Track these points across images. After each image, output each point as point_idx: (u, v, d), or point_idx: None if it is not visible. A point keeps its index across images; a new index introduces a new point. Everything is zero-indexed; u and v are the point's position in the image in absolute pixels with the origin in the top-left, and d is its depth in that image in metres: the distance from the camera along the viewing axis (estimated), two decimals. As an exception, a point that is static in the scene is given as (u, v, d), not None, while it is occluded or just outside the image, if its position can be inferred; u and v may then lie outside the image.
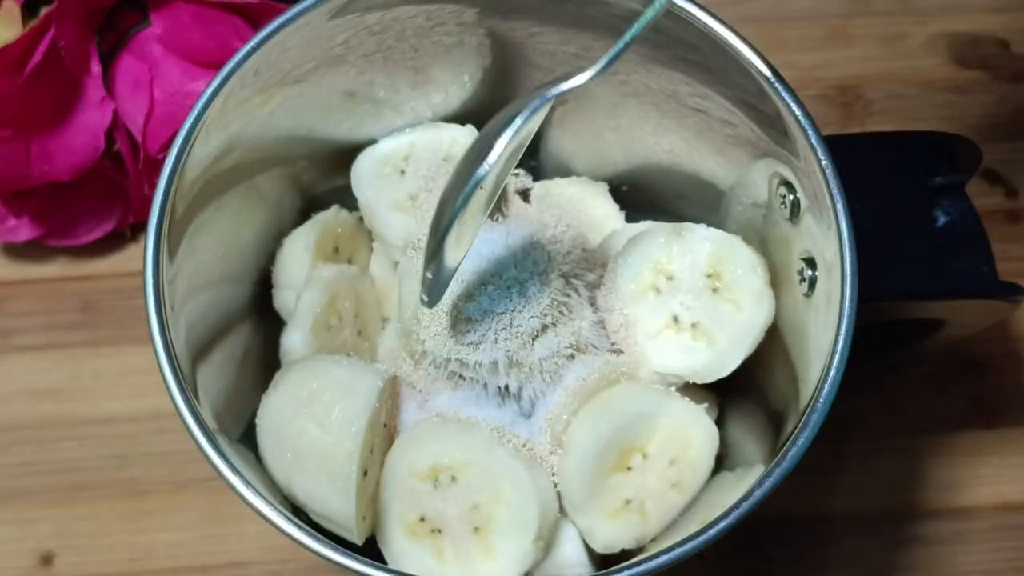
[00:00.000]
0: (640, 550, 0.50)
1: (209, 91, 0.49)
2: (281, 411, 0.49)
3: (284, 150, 0.55)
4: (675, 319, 0.51)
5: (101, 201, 0.63)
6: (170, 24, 0.59)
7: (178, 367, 0.46)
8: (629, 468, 0.49)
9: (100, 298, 0.64)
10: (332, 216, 0.56)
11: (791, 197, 0.50)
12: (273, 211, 0.56)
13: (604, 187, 0.58)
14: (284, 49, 0.50)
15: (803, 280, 0.50)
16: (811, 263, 0.49)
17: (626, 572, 0.44)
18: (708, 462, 0.50)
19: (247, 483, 0.45)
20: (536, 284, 0.50)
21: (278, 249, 0.56)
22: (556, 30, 0.53)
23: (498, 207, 0.56)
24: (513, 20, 0.53)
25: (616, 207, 0.57)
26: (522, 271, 0.50)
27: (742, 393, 0.54)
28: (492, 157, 0.40)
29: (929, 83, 0.70)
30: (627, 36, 0.40)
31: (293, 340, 0.52)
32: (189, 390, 0.46)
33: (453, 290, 0.49)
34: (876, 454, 0.60)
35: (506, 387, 0.51)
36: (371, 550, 0.50)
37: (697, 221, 0.53)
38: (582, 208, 0.57)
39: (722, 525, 0.44)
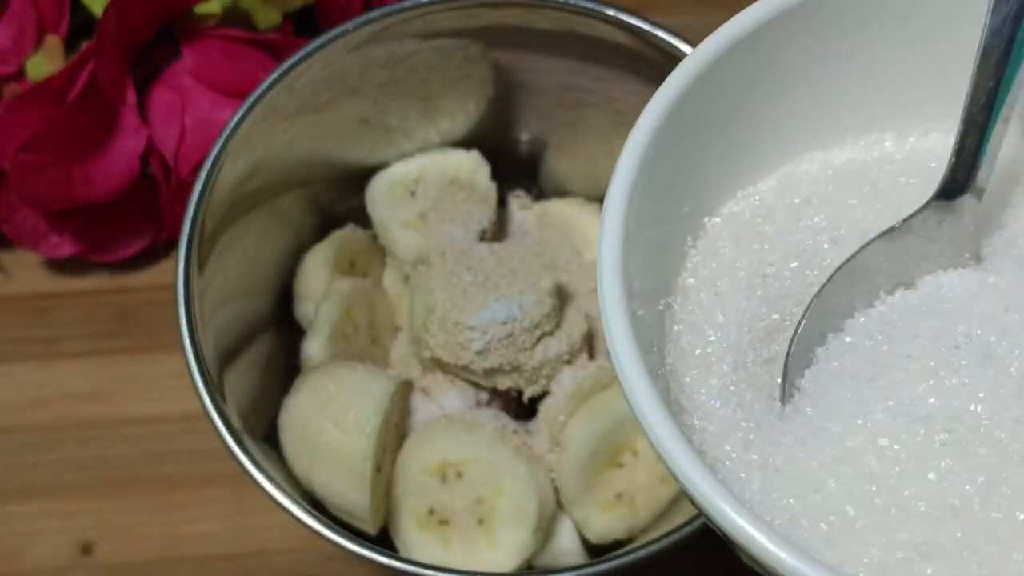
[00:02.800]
0: (631, 540, 0.50)
1: (235, 119, 0.49)
2: (302, 412, 0.49)
3: (304, 173, 0.55)
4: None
5: (136, 220, 0.63)
6: (200, 57, 0.59)
7: (207, 372, 0.47)
8: (620, 464, 0.50)
9: (136, 309, 0.64)
10: (348, 234, 0.56)
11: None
12: (294, 229, 0.56)
13: (598, 207, 0.58)
14: (304, 81, 0.50)
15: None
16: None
17: (618, 560, 0.45)
18: (693, 459, 0.50)
19: (271, 478, 0.45)
20: (535, 296, 0.50)
21: (298, 264, 0.56)
22: (556, 62, 0.53)
23: (500, 225, 0.56)
24: (515, 53, 0.53)
25: (609, 225, 0.57)
26: (523, 284, 0.50)
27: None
28: None
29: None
30: None
31: (312, 347, 0.52)
32: (217, 393, 0.47)
33: (459, 304, 0.49)
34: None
35: (507, 390, 0.51)
36: (384, 540, 0.50)
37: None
38: (578, 226, 0.57)
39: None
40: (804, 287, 0.40)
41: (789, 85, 0.40)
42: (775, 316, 0.40)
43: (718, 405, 0.39)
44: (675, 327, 0.40)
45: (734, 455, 0.37)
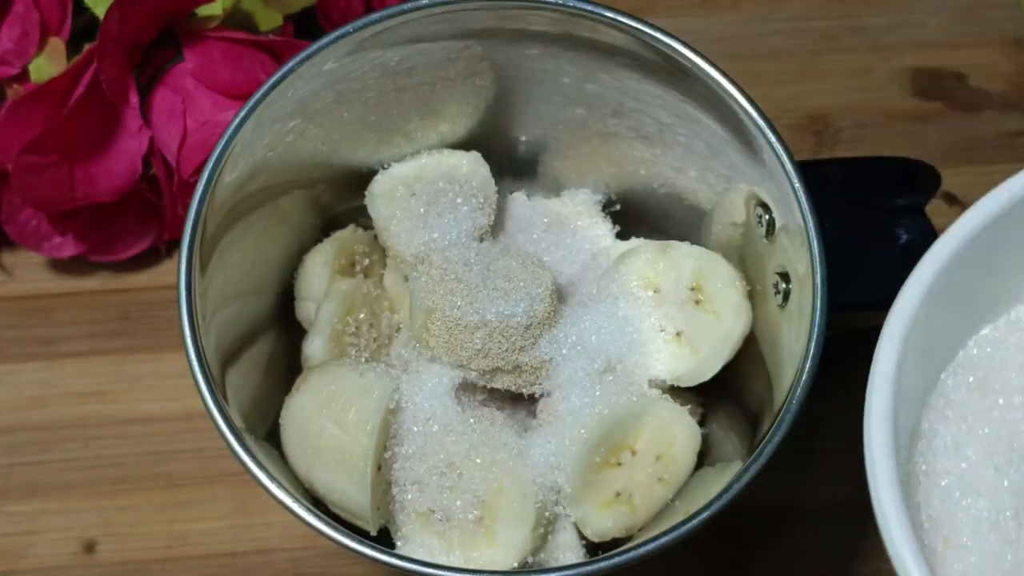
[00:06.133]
0: (629, 538, 0.50)
1: (237, 120, 0.49)
2: (303, 411, 0.49)
3: (305, 174, 0.55)
4: (661, 328, 0.51)
5: (139, 220, 0.63)
6: (202, 59, 0.59)
7: (209, 372, 0.46)
8: (619, 463, 0.49)
9: (138, 309, 0.64)
10: (349, 234, 0.56)
11: (767, 217, 0.50)
12: (295, 230, 0.56)
13: (597, 207, 0.58)
14: (305, 82, 0.50)
15: (778, 293, 0.50)
16: (785, 277, 0.49)
17: (617, 558, 0.44)
18: (691, 458, 0.50)
19: (272, 477, 0.45)
20: (535, 296, 0.50)
21: (300, 264, 0.55)
22: (556, 63, 0.53)
23: (500, 225, 0.56)
24: (515, 54, 0.53)
25: (608, 225, 0.57)
26: (523, 284, 0.50)
27: (722, 395, 0.54)
28: None
29: (893, 113, 0.70)
30: None
31: (314, 347, 0.52)
32: (219, 393, 0.46)
33: (458, 303, 0.49)
34: (844, 449, 0.60)
35: (507, 389, 0.51)
36: (384, 538, 0.50)
37: (681, 239, 0.53)
38: (576, 226, 0.57)
39: (704, 515, 0.45)
40: None
41: None
42: None
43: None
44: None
45: None
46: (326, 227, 0.57)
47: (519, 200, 0.57)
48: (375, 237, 0.56)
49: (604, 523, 0.50)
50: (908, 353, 0.41)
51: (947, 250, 0.43)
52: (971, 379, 0.45)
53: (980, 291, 0.45)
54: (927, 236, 0.51)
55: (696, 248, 0.52)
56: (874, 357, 0.41)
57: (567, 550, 0.50)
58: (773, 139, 0.48)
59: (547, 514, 0.49)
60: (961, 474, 0.43)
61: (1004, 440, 0.44)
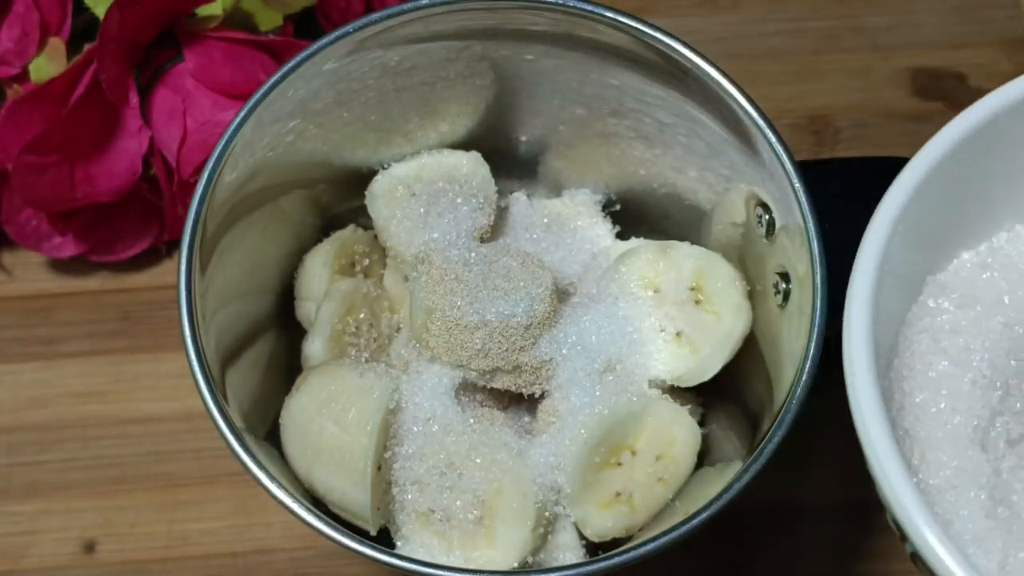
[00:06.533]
0: (629, 538, 0.50)
1: (237, 120, 0.49)
2: (303, 411, 0.49)
3: (305, 174, 0.55)
4: (661, 328, 0.51)
5: (139, 220, 0.63)
6: (202, 59, 0.59)
7: (209, 372, 0.46)
8: (619, 463, 0.49)
9: (138, 309, 0.64)
10: (349, 234, 0.56)
11: (767, 217, 0.50)
12: (295, 230, 0.56)
13: (597, 207, 0.58)
14: (305, 82, 0.50)
15: (778, 292, 0.50)
16: (785, 277, 0.49)
17: (617, 558, 0.44)
18: (691, 458, 0.50)
19: (272, 477, 0.45)
20: (535, 296, 0.50)
21: (300, 264, 0.55)
22: (555, 63, 0.53)
23: (500, 225, 0.56)
24: (515, 54, 0.53)
25: (608, 226, 0.57)
26: (523, 284, 0.50)
27: (722, 395, 0.54)
28: None
29: (893, 113, 0.70)
30: None
31: (314, 347, 0.52)
32: (219, 393, 0.46)
33: (458, 303, 0.49)
34: (844, 449, 0.60)
35: (507, 389, 0.51)
36: (384, 538, 0.50)
37: (681, 239, 0.53)
38: (576, 226, 0.57)
39: (704, 515, 0.45)
40: None
41: None
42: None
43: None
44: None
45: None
46: (326, 227, 0.56)
47: (519, 200, 0.57)
48: (375, 237, 0.56)
49: (604, 523, 0.50)
50: (885, 274, 0.43)
51: (917, 174, 0.44)
52: (950, 301, 0.46)
53: (958, 217, 0.46)
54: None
55: (696, 248, 0.52)
56: (851, 277, 0.43)
57: (567, 550, 0.50)
58: (773, 139, 0.48)
59: (547, 514, 0.49)
60: (937, 389, 0.44)
61: (981, 357, 0.45)
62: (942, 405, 0.44)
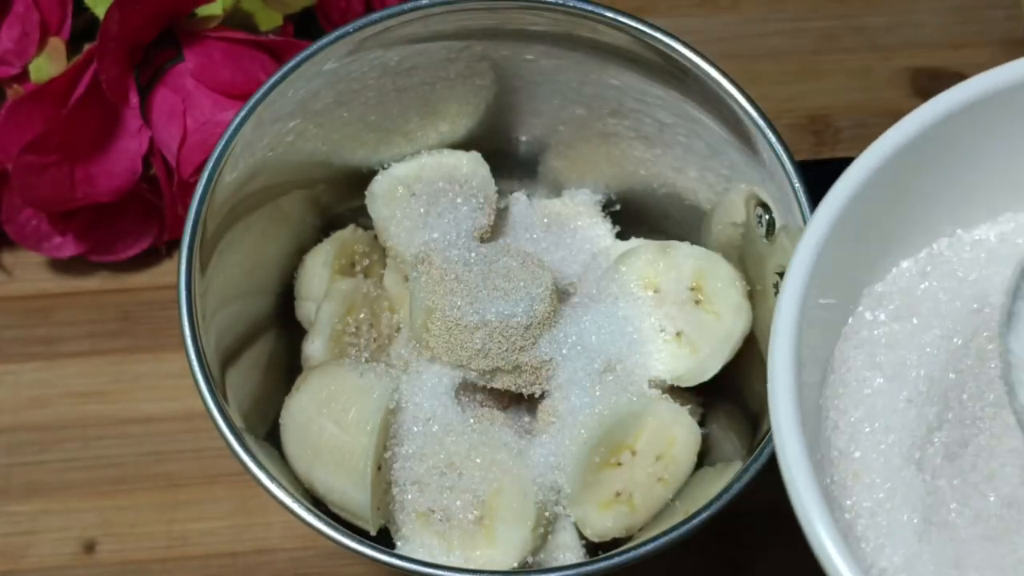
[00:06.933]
0: (629, 538, 0.50)
1: (237, 120, 0.49)
2: (303, 411, 0.49)
3: (305, 174, 0.55)
4: (661, 328, 0.51)
5: (139, 220, 0.63)
6: (202, 59, 0.59)
7: (209, 372, 0.46)
8: (619, 463, 0.49)
9: (138, 309, 0.64)
10: (349, 234, 0.56)
11: (767, 217, 0.50)
12: (295, 230, 0.56)
13: (597, 207, 0.58)
14: (305, 82, 0.50)
15: (778, 293, 0.50)
16: (785, 277, 0.49)
17: (617, 558, 0.44)
18: (691, 458, 0.50)
19: (272, 477, 0.45)
20: (535, 296, 0.50)
21: (300, 264, 0.55)
22: (555, 63, 0.53)
23: (500, 225, 0.56)
24: (515, 54, 0.53)
25: (608, 225, 0.57)
26: (523, 284, 0.50)
27: (723, 395, 0.54)
28: None
29: (893, 113, 0.69)
30: None
31: (314, 347, 0.52)
32: (219, 393, 0.46)
33: (458, 303, 0.49)
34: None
35: (507, 389, 0.51)
36: (384, 538, 0.50)
37: (681, 239, 0.53)
38: (576, 226, 0.57)
39: (704, 515, 0.45)
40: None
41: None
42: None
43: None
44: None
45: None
46: (326, 227, 0.56)
47: (519, 200, 0.57)
48: (375, 237, 0.56)
49: (604, 523, 0.50)
50: (816, 285, 0.41)
51: (853, 183, 0.42)
52: (886, 313, 0.44)
53: (896, 225, 0.44)
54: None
55: (696, 248, 0.52)
56: (780, 291, 0.40)
57: (567, 550, 0.50)
58: (773, 139, 0.48)
59: (547, 514, 0.49)
60: (872, 407, 0.42)
61: (918, 372, 0.43)
62: (876, 424, 0.41)
